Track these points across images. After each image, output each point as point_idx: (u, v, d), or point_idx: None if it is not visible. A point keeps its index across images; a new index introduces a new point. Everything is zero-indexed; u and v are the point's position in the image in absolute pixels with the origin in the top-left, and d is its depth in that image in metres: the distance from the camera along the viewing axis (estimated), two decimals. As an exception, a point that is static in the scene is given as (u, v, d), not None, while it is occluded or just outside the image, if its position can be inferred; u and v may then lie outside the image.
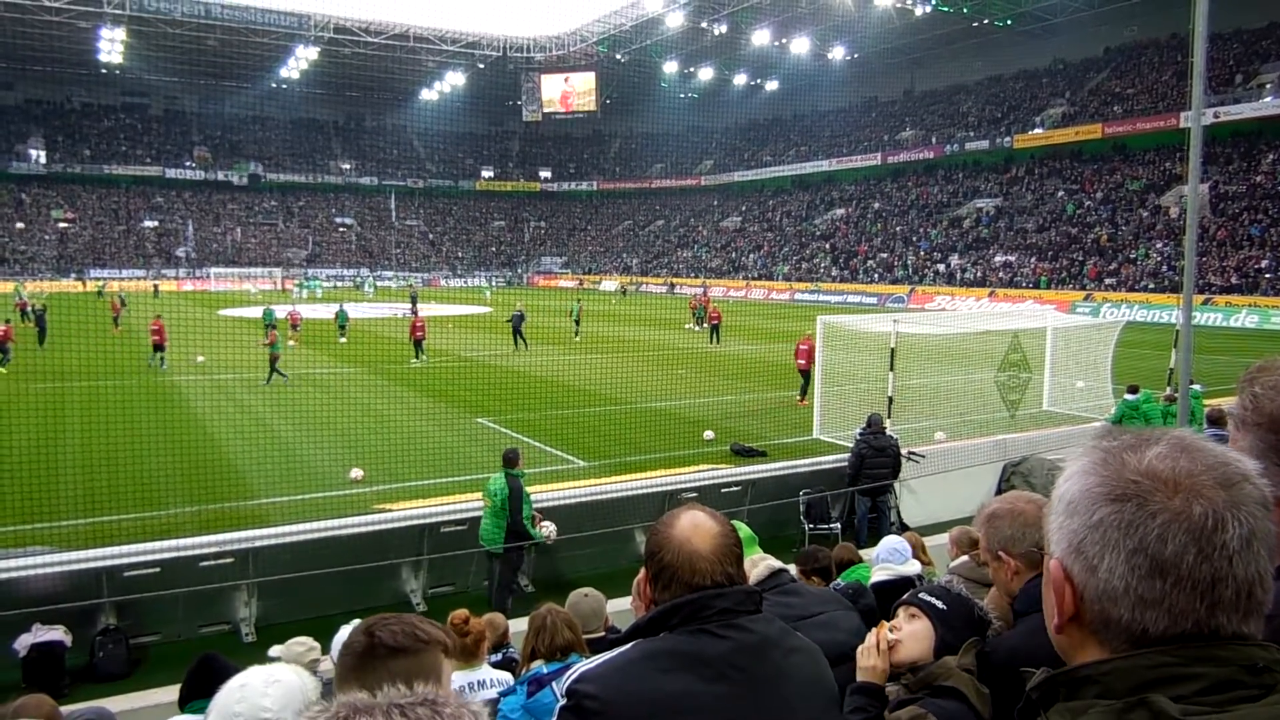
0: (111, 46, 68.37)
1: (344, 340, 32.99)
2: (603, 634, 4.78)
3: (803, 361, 20.62)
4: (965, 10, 62.29)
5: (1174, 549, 1.01)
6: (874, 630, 2.60)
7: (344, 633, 4.75)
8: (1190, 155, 7.95)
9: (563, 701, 1.80)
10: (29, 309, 34.04)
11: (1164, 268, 46.93)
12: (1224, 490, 1.03)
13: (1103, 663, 1.05)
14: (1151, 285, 46.14)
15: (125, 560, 8.46)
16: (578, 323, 37.40)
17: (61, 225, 77.06)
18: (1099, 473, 1.07)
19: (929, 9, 60.77)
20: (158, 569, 8.48)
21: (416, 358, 27.41)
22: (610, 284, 78.32)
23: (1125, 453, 1.08)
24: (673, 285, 73.34)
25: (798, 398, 20.55)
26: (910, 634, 2.57)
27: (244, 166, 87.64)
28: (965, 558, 3.79)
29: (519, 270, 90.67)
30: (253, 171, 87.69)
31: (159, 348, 26.28)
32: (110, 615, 8.48)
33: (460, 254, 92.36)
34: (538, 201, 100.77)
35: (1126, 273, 48.51)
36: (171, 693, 5.97)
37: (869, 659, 2.52)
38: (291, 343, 32.46)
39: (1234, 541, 1.01)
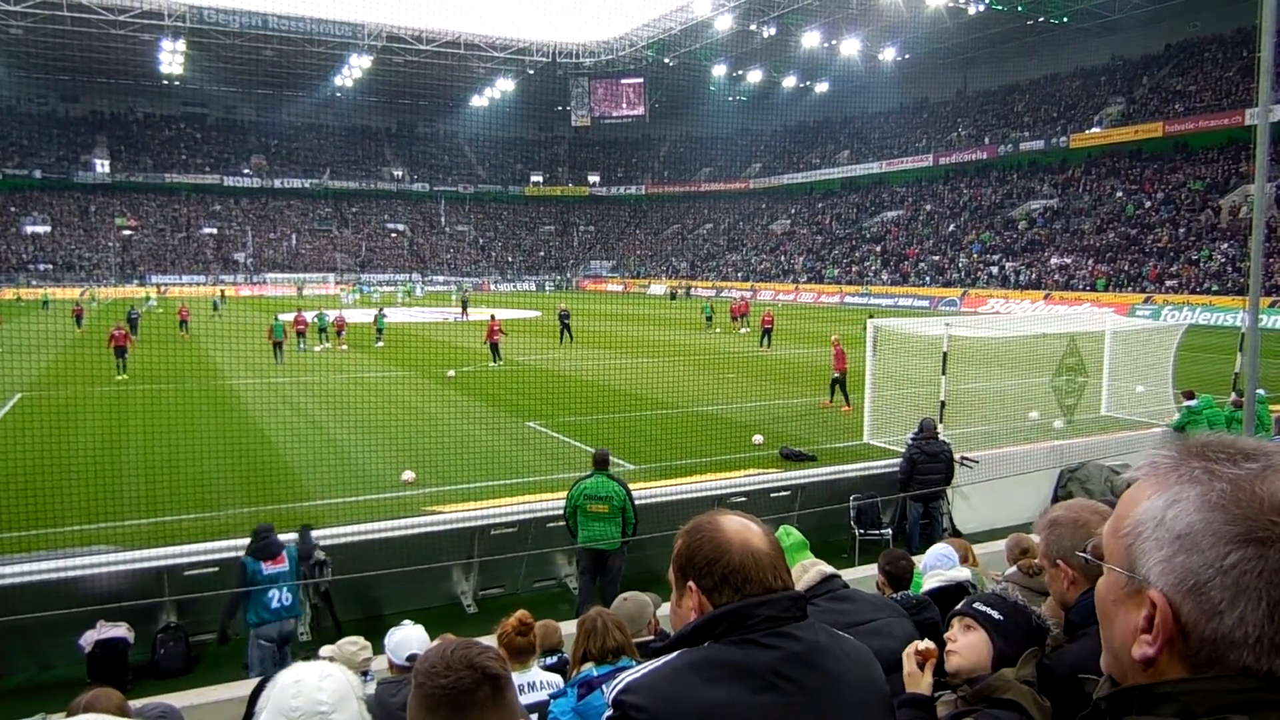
0: (172, 58, 70.23)
1: (380, 344, 33.31)
2: (650, 637, 4.75)
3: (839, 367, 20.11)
4: (1020, 8, 61.22)
5: None
6: (911, 645, 2.61)
7: (396, 634, 4.81)
8: (1257, 153, 7.74)
9: (609, 712, 1.78)
10: (99, 316, 34.92)
11: (1228, 269, 45.62)
12: None
13: (1185, 681, 1.01)
14: (1215, 287, 44.89)
15: (185, 560, 8.66)
16: (709, 319, 40.48)
17: (125, 233, 79.26)
18: (1228, 509, 0.99)
19: (982, 8, 59.73)
20: (216, 568, 8.66)
21: (494, 361, 27.74)
22: (659, 288, 78.28)
23: (1256, 484, 0.99)
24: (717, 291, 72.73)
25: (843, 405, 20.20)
26: (966, 645, 2.53)
27: (314, 178, 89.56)
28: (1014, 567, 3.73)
29: (568, 274, 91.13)
30: (318, 182, 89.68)
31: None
32: (171, 613, 8.69)
33: (510, 259, 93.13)
34: (586, 206, 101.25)
35: (1188, 274, 47.25)
36: (230, 689, 6.11)
37: (908, 665, 2.55)
38: (343, 347, 33.06)
39: None
